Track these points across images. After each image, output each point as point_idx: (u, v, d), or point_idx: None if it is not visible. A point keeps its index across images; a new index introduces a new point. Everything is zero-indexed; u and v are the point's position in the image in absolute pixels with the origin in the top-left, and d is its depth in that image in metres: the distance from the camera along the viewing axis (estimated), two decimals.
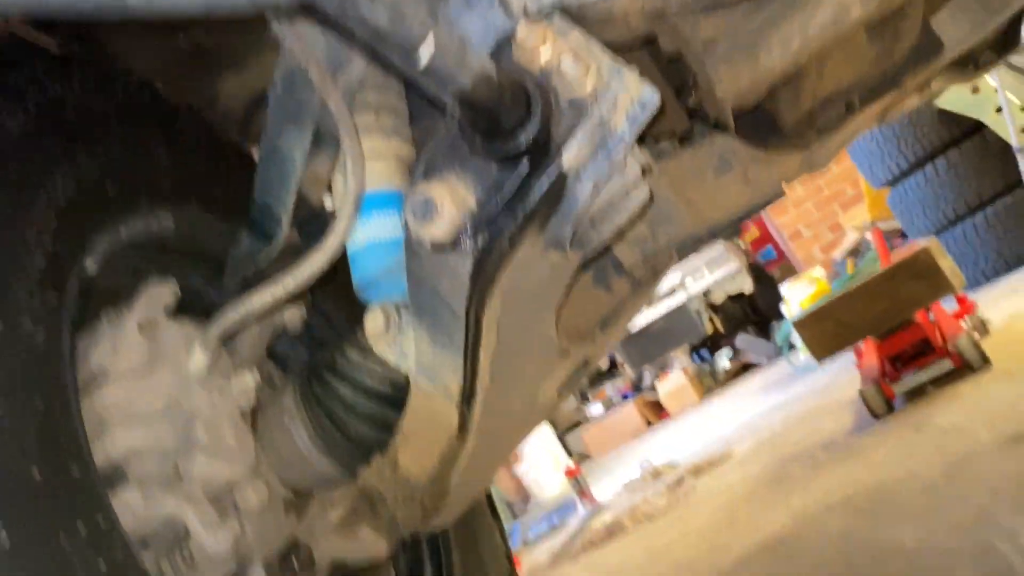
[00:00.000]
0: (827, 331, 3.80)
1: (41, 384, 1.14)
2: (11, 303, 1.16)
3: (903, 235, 6.76)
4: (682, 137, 1.55)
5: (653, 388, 9.17)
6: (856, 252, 7.88)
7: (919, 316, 3.79)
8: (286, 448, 1.46)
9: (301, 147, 1.36)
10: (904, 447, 2.95)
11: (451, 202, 0.90)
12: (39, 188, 1.27)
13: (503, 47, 0.93)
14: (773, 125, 1.43)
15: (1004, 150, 5.24)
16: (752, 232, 9.62)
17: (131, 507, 1.21)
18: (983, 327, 4.16)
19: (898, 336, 3.78)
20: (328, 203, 1.48)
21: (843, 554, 2.21)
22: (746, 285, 8.35)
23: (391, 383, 1.48)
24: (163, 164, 1.55)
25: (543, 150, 0.90)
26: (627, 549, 3.93)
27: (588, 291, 1.53)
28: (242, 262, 1.54)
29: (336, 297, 1.81)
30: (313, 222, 1.57)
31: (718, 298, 8.36)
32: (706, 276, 8.19)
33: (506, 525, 2.05)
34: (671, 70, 1.38)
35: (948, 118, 5.50)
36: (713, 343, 9.59)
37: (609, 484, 6.15)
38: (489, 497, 2.01)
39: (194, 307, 1.60)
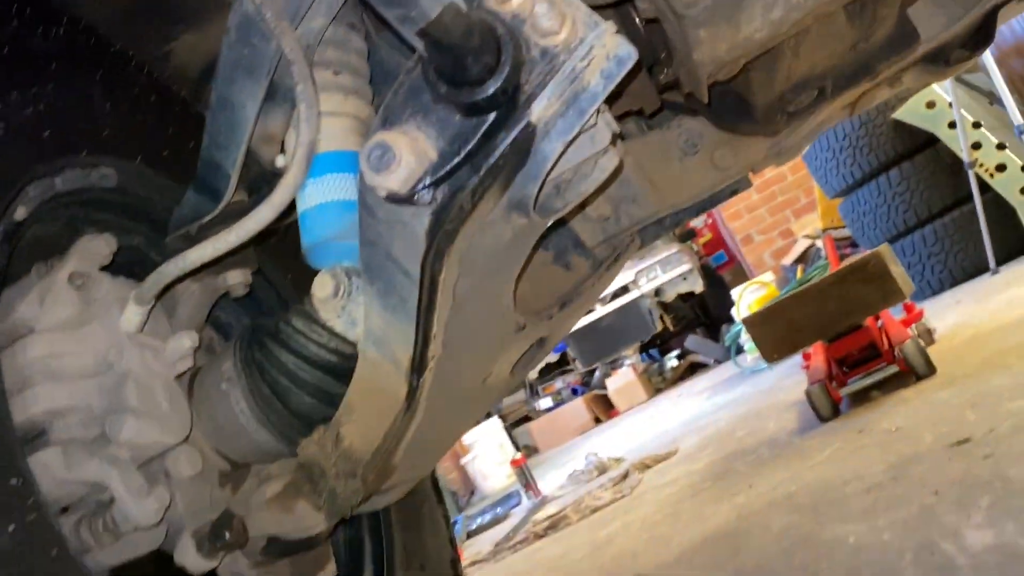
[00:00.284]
0: (777, 332, 3.82)
1: None
2: None
3: (854, 244, 6.86)
4: (650, 116, 1.51)
5: (603, 384, 9.19)
6: (806, 259, 8.00)
7: (867, 321, 3.83)
8: (223, 416, 1.39)
9: (254, 99, 1.29)
10: (849, 448, 2.97)
11: (410, 151, 0.84)
12: None
13: None
14: (743, 107, 1.40)
15: (956, 165, 5.34)
16: (705, 235, 9.71)
17: (51, 469, 1.13)
18: (929, 335, 4.23)
19: (846, 340, 3.82)
20: (280, 163, 1.40)
21: (785, 549, 2.21)
22: (697, 285, 8.42)
23: (337, 353, 1.42)
24: (108, 117, 1.47)
25: (511, 101, 0.85)
26: (570, 540, 3.91)
27: (547, 268, 1.49)
28: (186, 220, 1.46)
29: (284, 261, 1.74)
30: (263, 183, 1.49)
31: (669, 297, 8.41)
32: (659, 275, 8.24)
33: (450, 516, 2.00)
34: (644, 44, 1.35)
35: (903, 131, 5.59)
36: (663, 342, 9.65)
37: (555, 478, 6.14)
38: (434, 479, 1.96)
39: (134, 268, 1.52)
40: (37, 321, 1.24)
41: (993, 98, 5.67)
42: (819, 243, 7.69)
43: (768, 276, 7.91)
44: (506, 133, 0.85)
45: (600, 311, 7.87)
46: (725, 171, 1.54)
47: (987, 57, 5.10)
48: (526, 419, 9.91)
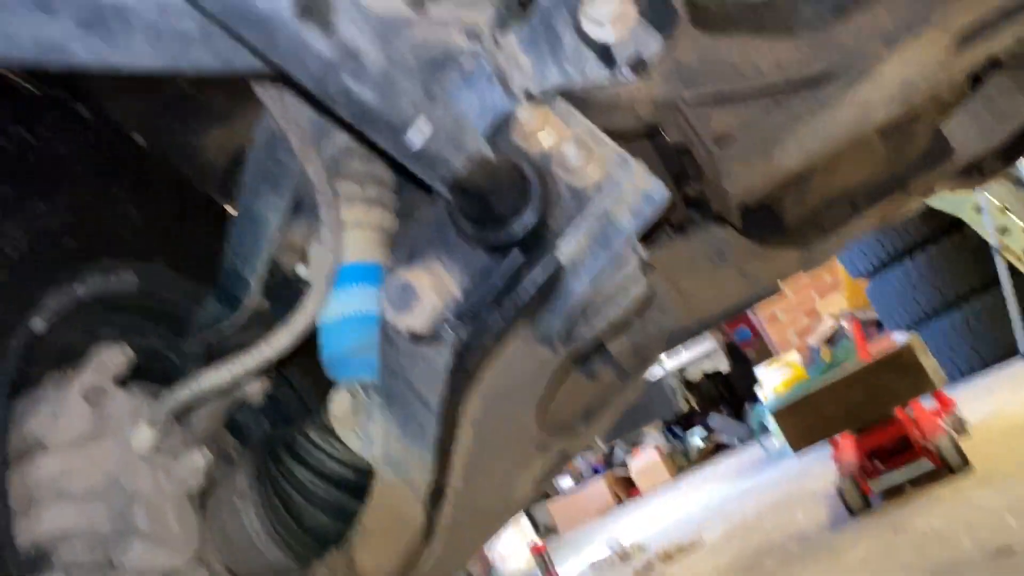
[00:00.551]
0: (806, 422, 3.73)
1: None
2: None
3: (879, 326, 6.76)
4: (678, 225, 1.48)
5: (624, 464, 9.01)
6: (832, 339, 7.87)
7: (898, 411, 3.74)
8: (235, 533, 1.34)
9: (277, 212, 1.27)
10: (883, 549, 2.86)
11: (433, 290, 0.82)
12: None
13: (501, 128, 0.87)
14: (774, 220, 1.37)
15: (983, 248, 5.27)
16: None
17: None
18: (961, 426, 4.11)
19: (877, 431, 3.72)
20: (302, 271, 1.39)
21: None
22: (722, 364, 8.31)
23: (353, 468, 1.37)
24: (131, 219, 1.46)
25: (538, 239, 0.83)
26: None
27: (571, 379, 1.45)
28: (206, 328, 1.44)
29: (304, 366, 1.71)
30: (284, 290, 1.48)
31: (694, 375, 8.30)
32: (683, 353, 8.14)
33: None
34: (670, 156, 1.33)
35: (929, 213, 5.55)
36: (687, 421, 9.48)
37: (575, 563, 5.96)
38: None
39: (151, 370, 1.50)
40: (48, 437, 1.21)
41: (1019, 182, 5.63)
42: (845, 323, 7.59)
43: (794, 355, 7.79)
44: (534, 273, 0.82)
45: None
46: (755, 281, 1.50)
47: None
48: (545, 496, 9.71)
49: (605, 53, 0.91)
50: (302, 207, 1.33)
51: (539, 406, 1.12)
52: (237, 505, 1.35)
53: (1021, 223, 5.16)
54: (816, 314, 8.65)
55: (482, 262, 0.84)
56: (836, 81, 0.88)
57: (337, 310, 1.31)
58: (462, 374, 0.87)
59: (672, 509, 6.60)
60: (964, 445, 3.49)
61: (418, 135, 0.59)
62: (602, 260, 0.83)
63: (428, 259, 0.85)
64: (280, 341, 1.08)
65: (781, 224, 1.36)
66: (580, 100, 0.96)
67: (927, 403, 4.02)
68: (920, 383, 3.51)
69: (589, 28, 0.90)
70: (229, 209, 2.35)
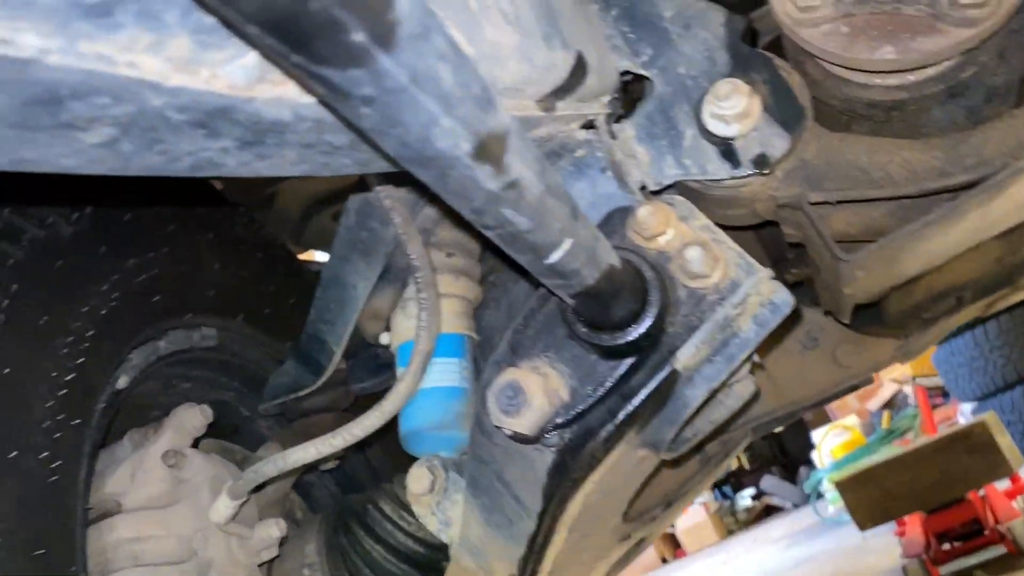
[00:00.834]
0: (872, 497, 3.59)
1: (47, 520, 1.02)
2: (29, 423, 1.05)
3: (945, 394, 6.53)
4: None
5: None
6: (892, 404, 7.64)
7: (970, 493, 3.58)
8: None
9: (366, 280, 1.26)
10: None
11: (541, 393, 0.78)
12: (79, 296, 1.18)
13: (616, 222, 0.84)
14: (874, 311, 1.31)
15: None
16: None
17: None
18: None
19: (947, 513, 3.56)
20: (384, 339, 1.37)
21: None
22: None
23: (425, 545, 1.34)
24: (214, 275, 1.46)
25: (652, 342, 0.79)
26: None
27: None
28: (283, 390, 1.42)
29: (376, 432, 1.69)
30: (362, 354, 1.46)
31: None
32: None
33: None
34: (771, 239, 1.29)
35: None
36: (737, 480, 9.23)
37: None
38: None
39: (222, 425, 1.49)
40: (126, 497, 1.20)
41: None
42: (907, 389, 7.35)
43: (852, 419, 7.56)
44: (647, 379, 0.78)
45: None
46: (848, 369, 1.44)
47: None
48: None
49: (727, 149, 0.88)
50: (388, 274, 1.31)
51: (629, 503, 1.08)
52: (305, 575, 1.32)
53: None
54: (877, 377, 8.40)
55: (592, 365, 0.80)
56: (972, 193, 0.83)
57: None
58: (566, 480, 0.83)
59: None
60: None
61: (559, 254, 0.56)
62: (722, 370, 0.79)
63: (534, 356, 0.82)
64: (371, 422, 1.06)
65: (881, 315, 1.30)
66: (696, 193, 0.93)
67: (1001, 483, 3.85)
68: (995, 466, 3.35)
69: (712, 124, 0.87)
70: (303, 258, 2.36)
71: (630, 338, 0.77)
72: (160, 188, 1.41)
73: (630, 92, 1.06)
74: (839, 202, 0.89)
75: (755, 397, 0.98)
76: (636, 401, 0.79)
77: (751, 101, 0.86)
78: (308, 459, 1.09)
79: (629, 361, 0.80)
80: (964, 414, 6.01)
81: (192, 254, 1.44)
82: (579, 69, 0.76)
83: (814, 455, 7.50)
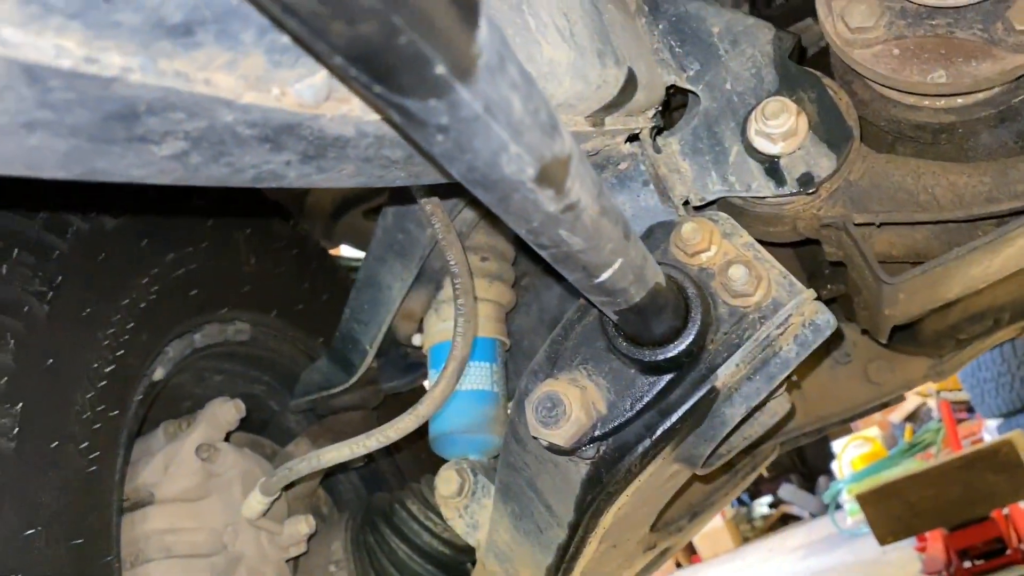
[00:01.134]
0: (893, 512, 3.55)
1: (85, 510, 1.04)
2: (70, 414, 1.06)
3: (970, 409, 6.45)
4: None
5: None
6: (915, 417, 7.55)
7: (994, 511, 3.54)
8: None
9: (402, 282, 1.27)
10: None
11: (580, 406, 0.78)
12: (120, 288, 1.19)
13: (659, 237, 0.84)
14: (909, 330, 1.30)
15: None
16: None
17: None
18: None
19: (969, 530, 3.52)
20: (417, 340, 1.37)
21: None
22: None
23: (450, 546, 1.35)
24: (250, 271, 1.48)
25: (692, 359, 0.79)
26: None
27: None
28: (315, 387, 1.44)
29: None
30: (392, 353, 1.47)
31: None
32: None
33: None
34: (806, 253, 1.28)
35: None
36: (754, 487, 9.18)
37: None
38: None
39: (251, 419, 1.50)
40: (159, 488, 1.22)
41: None
42: (931, 402, 7.27)
43: (873, 431, 7.48)
44: (686, 396, 0.78)
45: None
46: (879, 387, 1.44)
47: None
48: None
49: (772, 167, 0.88)
50: (422, 276, 1.32)
51: (658, 515, 1.08)
52: (331, 572, 1.33)
53: None
54: None
55: (631, 380, 0.80)
56: (1020, 220, 0.82)
57: None
58: (600, 492, 0.83)
59: None
60: None
61: (609, 273, 0.56)
62: (761, 389, 0.79)
63: (573, 368, 0.82)
64: (405, 424, 1.06)
65: (917, 335, 1.29)
66: (738, 209, 0.92)
67: None
68: (1020, 485, 3.31)
69: (758, 141, 0.87)
70: (334, 253, 2.38)
71: (670, 354, 0.77)
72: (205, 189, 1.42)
73: (669, 103, 1.05)
74: (883, 224, 0.88)
75: (790, 415, 0.97)
76: (674, 418, 0.79)
77: (798, 120, 0.86)
78: (342, 459, 1.10)
79: (668, 377, 0.80)
80: (989, 430, 5.94)
81: (229, 250, 1.45)
82: (629, 85, 0.76)
83: (834, 465, 7.43)
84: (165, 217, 1.33)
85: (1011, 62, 0.79)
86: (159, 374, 1.28)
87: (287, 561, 1.29)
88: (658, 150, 0.91)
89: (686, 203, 0.92)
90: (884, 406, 1.51)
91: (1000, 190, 0.83)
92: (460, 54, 0.32)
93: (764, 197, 0.89)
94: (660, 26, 0.93)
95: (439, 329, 1.32)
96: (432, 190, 1.04)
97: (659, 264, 0.77)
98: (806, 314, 0.78)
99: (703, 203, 0.92)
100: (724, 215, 0.84)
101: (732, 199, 0.91)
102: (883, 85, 0.87)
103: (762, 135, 0.86)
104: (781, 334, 0.78)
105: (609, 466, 0.81)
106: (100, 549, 1.06)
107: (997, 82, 0.81)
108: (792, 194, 0.88)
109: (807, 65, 0.96)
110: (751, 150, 0.88)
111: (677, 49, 0.92)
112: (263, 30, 0.41)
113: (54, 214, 1.11)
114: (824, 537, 6.78)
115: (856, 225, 0.87)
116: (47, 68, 0.35)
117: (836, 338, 0.87)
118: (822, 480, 8.20)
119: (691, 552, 8.50)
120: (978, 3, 0.81)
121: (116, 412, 1.15)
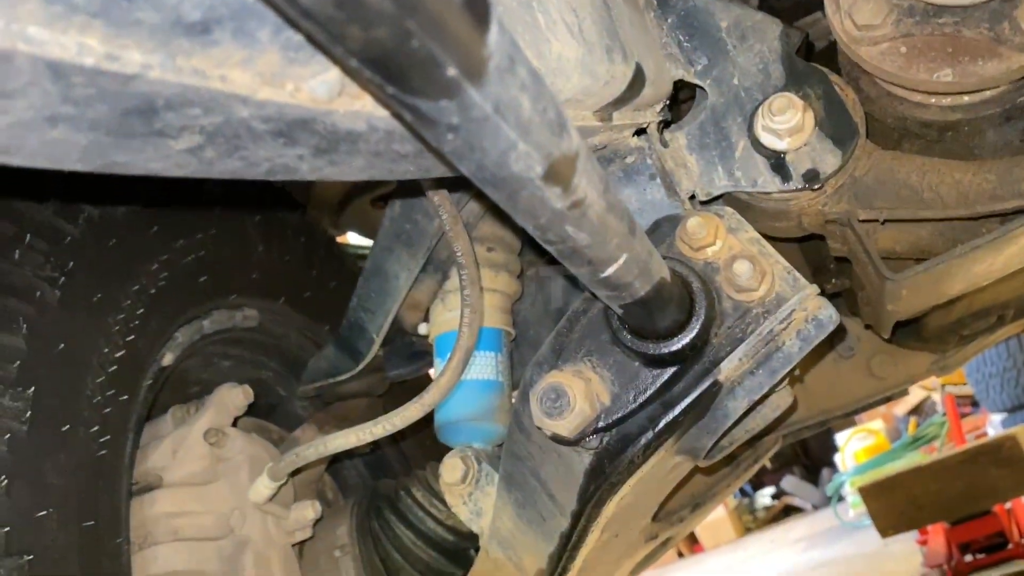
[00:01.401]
0: (896, 505, 3.56)
1: (96, 492, 1.06)
2: (81, 398, 1.08)
3: (974, 403, 6.45)
4: None
5: None
6: (920, 411, 7.56)
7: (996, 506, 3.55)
8: None
9: (408, 271, 1.28)
10: None
11: (584, 398, 0.80)
12: (131, 274, 1.21)
13: (665, 231, 0.84)
14: (912, 325, 1.31)
15: None
16: None
17: None
18: None
19: (971, 524, 3.53)
20: (423, 329, 1.39)
21: None
22: None
23: (454, 533, 1.36)
24: (259, 258, 1.49)
25: (696, 353, 0.80)
26: None
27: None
28: (322, 374, 1.45)
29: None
30: (398, 341, 1.48)
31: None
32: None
33: None
34: (810, 248, 1.29)
35: None
36: (757, 479, 9.21)
37: None
38: None
39: (258, 404, 1.52)
40: (167, 472, 1.23)
41: None
42: (935, 396, 7.27)
43: (877, 424, 7.49)
44: (689, 389, 0.79)
45: None
46: (882, 381, 1.44)
47: None
48: None
49: (779, 163, 0.89)
50: (429, 266, 1.33)
51: (660, 505, 1.09)
52: (336, 558, 1.35)
53: None
54: None
55: (635, 372, 0.81)
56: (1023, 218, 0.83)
57: None
58: (603, 483, 0.84)
59: (737, 574, 6.39)
60: None
61: (614, 268, 0.57)
62: (764, 383, 0.80)
63: (579, 361, 0.83)
64: (411, 412, 1.08)
65: (920, 331, 1.30)
66: (744, 204, 0.93)
67: None
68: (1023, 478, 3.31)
69: (765, 137, 0.88)
70: (341, 241, 2.39)
71: (674, 348, 0.78)
72: (220, 193, 1.44)
73: (677, 96, 1.06)
74: (887, 220, 0.89)
75: (792, 408, 0.98)
76: (677, 410, 0.80)
77: (805, 116, 0.86)
78: (349, 445, 1.12)
79: (672, 370, 0.81)
80: (994, 424, 5.94)
81: (238, 236, 1.47)
82: (637, 81, 0.77)
83: (837, 457, 7.45)
84: (175, 204, 1.34)
85: (1017, 61, 0.80)
86: (168, 359, 1.29)
87: (293, 546, 1.31)
88: (665, 144, 0.92)
89: (692, 197, 0.93)
90: (886, 400, 1.52)
91: (1005, 188, 0.83)
92: (471, 57, 0.33)
93: (770, 192, 0.90)
94: (669, 20, 0.94)
95: (445, 319, 1.33)
96: (440, 182, 1.04)
97: (664, 258, 0.78)
98: (809, 309, 0.79)
99: (709, 197, 0.93)
100: (730, 210, 0.85)
101: (738, 194, 0.92)
102: (890, 83, 0.87)
103: (768, 131, 0.87)
104: (784, 329, 0.79)
105: (612, 457, 0.83)
106: (110, 531, 1.08)
107: (1003, 81, 0.81)
108: (797, 190, 0.89)
109: (816, 60, 0.96)
110: (757, 145, 0.89)
111: (685, 44, 0.93)
112: (278, 28, 0.42)
113: (66, 199, 1.12)
114: (826, 529, 6.80)
115: (860, 221, 0.88)
116: (70, 65, 0.36)
117: (839, 332, 0.88)
118: (825, 472, 8.22)
119: (693, 542, 8.53)
120: (985, 2, 0.81)
121: (126, 397, 1.17)
